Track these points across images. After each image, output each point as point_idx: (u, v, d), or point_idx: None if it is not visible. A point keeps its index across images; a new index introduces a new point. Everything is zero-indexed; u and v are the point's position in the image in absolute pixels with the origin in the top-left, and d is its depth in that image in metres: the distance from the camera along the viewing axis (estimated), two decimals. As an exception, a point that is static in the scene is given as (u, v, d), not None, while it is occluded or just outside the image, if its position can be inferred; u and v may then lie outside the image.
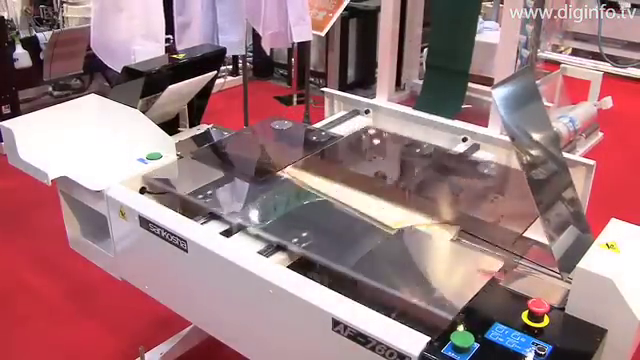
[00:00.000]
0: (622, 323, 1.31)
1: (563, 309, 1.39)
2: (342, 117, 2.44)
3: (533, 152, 1.52)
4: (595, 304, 1.33)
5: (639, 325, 1.30)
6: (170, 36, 3.99)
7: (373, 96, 4.95)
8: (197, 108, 2.43)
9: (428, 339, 1.27)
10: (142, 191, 1.96)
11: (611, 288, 1.29)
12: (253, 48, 5.69)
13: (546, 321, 1.32)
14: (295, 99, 5.42)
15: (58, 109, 2.19)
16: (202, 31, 3.80)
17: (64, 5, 4.66)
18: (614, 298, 1.30)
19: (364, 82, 5.62)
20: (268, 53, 4.58)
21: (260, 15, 3.91)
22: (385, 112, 2.42)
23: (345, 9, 4.76)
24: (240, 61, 5.10)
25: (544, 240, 1.52)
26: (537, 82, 4.37)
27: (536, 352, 1.24)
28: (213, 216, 1.81)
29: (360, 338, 1.33)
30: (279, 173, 2.01)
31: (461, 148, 2.14)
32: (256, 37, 4.37)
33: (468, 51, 4.48)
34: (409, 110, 2.64)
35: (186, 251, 1.69)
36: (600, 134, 4.52)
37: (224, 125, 2.44)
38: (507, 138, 1.85)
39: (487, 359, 1.24)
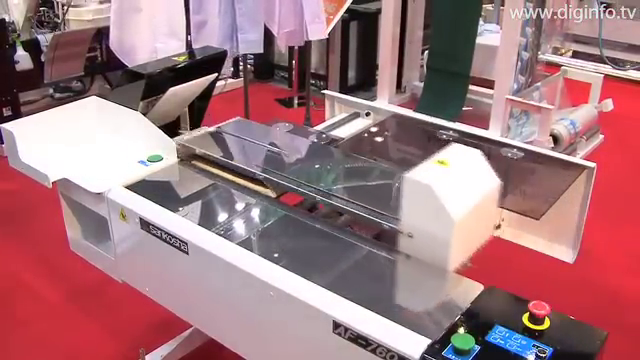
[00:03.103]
0: (441, 225, 1.47)
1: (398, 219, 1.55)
2: (343, 119, 2.44)
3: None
4: (419, 209, 1.50)
5: (455, 226, 1.45)
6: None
7: (374, 98, 4.95)
8: (198, 110, 2.43)
9: (429, 341, 1.27)
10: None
11: (429, 193, 1.45)
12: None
13: (547, 323, 1.32)
14: (296, 101, 5.42)
15: (59, 111, 2.19)
16: (221, 30, 3.80)
17: (64, 7, 4.66)
18: (433, 202, 1.45)
19: (365, 84, 5.62)
20: (284, 51, 4.58)
21: (275, 15, 3.95)
22: (386, 114, 2.42)
23: (346, 11, 4.76)
24: (241, 63, 5.10)
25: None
26: (538, 84, 4.40)
27: (537, 355, 1.24)
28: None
29: (361, 340, 1.33)
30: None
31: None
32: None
33: (469, 53, 4.49)
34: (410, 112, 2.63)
35: (187, 253, 1.69)
36: (601, 136, 4.52)
37: (225, 127, 2.44)
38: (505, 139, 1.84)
39: (487, 361, 1.24)
